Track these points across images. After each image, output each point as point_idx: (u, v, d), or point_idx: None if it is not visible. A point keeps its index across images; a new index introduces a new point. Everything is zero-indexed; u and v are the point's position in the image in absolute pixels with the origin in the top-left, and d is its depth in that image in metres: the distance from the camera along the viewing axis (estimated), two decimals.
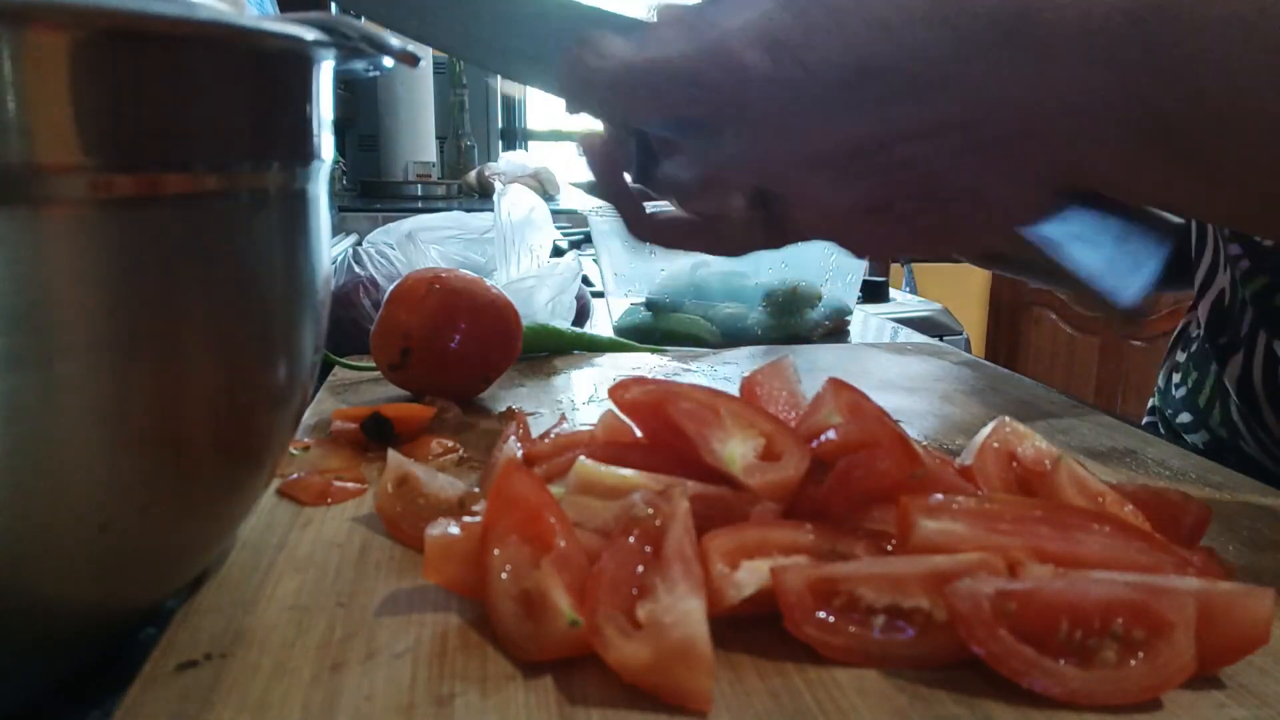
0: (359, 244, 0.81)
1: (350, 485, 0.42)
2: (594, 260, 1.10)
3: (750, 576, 0.30)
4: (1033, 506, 0.32)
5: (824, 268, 0.88)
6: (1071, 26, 0.32)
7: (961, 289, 3.19)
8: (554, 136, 3.14)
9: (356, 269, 0.75)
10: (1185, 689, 0.28)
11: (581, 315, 0.85)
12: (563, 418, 0.54)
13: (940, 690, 0.28)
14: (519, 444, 0.43)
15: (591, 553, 0.31)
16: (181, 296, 0.26)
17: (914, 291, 2.36)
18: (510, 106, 3.01)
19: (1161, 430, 0.70)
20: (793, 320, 0.85)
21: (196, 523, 0.30)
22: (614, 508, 0.32)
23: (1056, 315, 3.04)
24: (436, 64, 2.34)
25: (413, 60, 0.31)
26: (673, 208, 0.45)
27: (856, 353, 0.79)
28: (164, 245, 0.25)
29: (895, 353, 0.79)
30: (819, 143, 0.36)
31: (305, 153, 0.30)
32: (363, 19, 0.31)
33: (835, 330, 0.90)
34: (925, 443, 0.51)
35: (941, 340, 0.91)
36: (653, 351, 0.76)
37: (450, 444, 0.48)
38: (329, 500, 0.41)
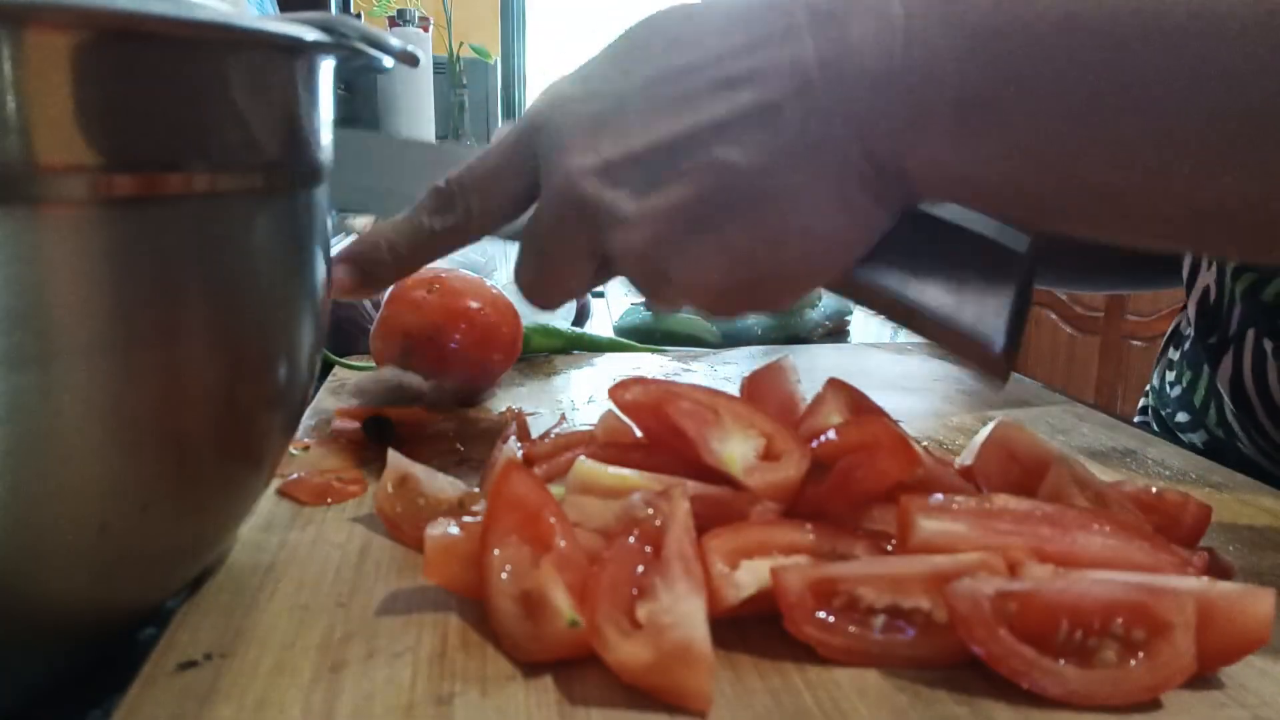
0: None
1: (350, 485, 0.42)
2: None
3: (750, 576, 0.30)
4: (1033, 506, 0.32)
5: None
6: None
7: None
8: None
9: None
10: (1185, 689, 0.28)
11: (581, 315, 0.85)
12: (563, 418, 0.54)
13: (940, 690, 0.28)
14: (519, 444, 0.43)
15: (591, 553, 0.31)
16: (181, 297, 0.26)
17: None
18: (510, 106, 3.02)
19: (1155, 428, 0.70)
20: (793, 320, 0.85)
21: (196, 523, 0.30)
22: (614, 508, 0.32)
23: (1056, 315, 3.04)
24: (436, 64, 2.34)
25: (413, 60, 0.31)
26: None
27: (856, 353, 0.79)
28: (164, 245, 0.25)
29: (895, 353, 0.79)
30: (620, 144, 0.35)
31: (305, 153, 0.30)
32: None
33: (835, 330, 0.90)
34: (925, 443, 0.51)
35: None
36: (653, 351, 0.76)
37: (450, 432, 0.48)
38: (329, 500, 0.41)
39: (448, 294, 0.56)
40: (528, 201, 0.39)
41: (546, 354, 0.73)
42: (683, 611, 0.27)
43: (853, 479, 0.34)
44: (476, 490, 0.39)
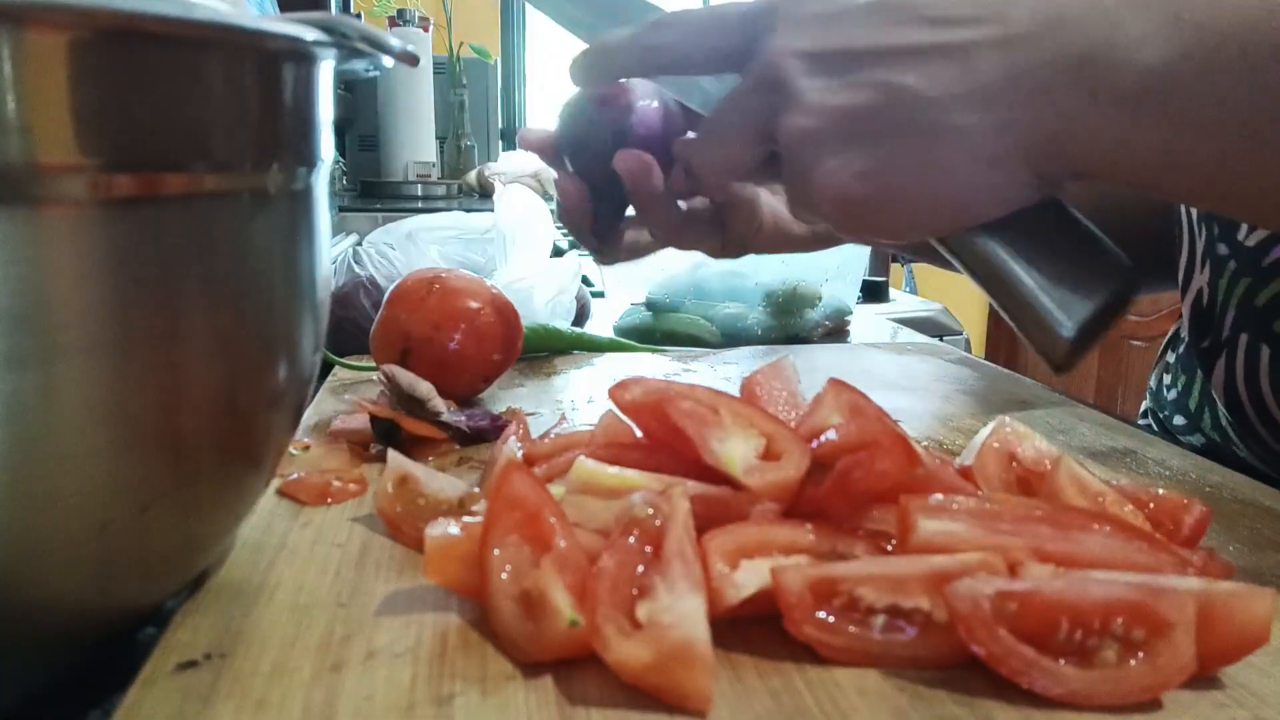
0: (359, 244, 0.81)
1: (350, 485, 0.42)
2: (594, 260, 1.10)
3: (750, 576, 0.30)
4: (1033, 506, 0.32)
5: (824, 268, 0.88)
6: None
7: (961, 289, 3.18)
8: None
9: (356, 269, 0.75)
10: (1185, 689, 0.28)
11: (581, 315, 0.85)
12: (563, 418, 0.54)
13: (940, 690, 0.28)
14: (519, 444, 0.43)
15: (591, 553, 0.31)
16: (181, 297, 0.26)
17: (914, 291, 2.36)
18: (510, 106, 3.01)
19: (1157, 432, 0.70)
20: (793, 320, 0.85)
21: (196, 523, 0.30)
22: (614, 508, 0.32)
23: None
24: (436, 64, 2.34)
25: (413, 60, 0.31)
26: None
27: (856, 353, 0.79)
28: (164, 245, 0.25)
29: (895, 353, 0.79)
30: (828, 39, 0.39)
31: (305, 153, 0.30)
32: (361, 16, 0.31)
33: (835, 330, 0.90)
34: (925, 443, 0.51)
35: (941, 340, 0.91)
36: (653, 351, 0.76)
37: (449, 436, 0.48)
38: (329, 500, 0.41)
39: (448, 294, 0.56)
40: (724, 62, 0.42)
41: (546, 354, 0.73)
42: (683, 611, 0.27)
43: (853, 479, 0.34)
44: (476, 490, 0.39)
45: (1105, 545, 0.31)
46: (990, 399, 0.63)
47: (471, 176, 2.27)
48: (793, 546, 0.32)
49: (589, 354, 0.74)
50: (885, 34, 0.38)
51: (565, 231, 0.51)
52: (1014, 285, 0.39)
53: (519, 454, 0.42)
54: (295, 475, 0.42)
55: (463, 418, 0.49)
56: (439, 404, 0.48)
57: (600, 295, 0.97)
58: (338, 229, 1.49)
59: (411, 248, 0.80)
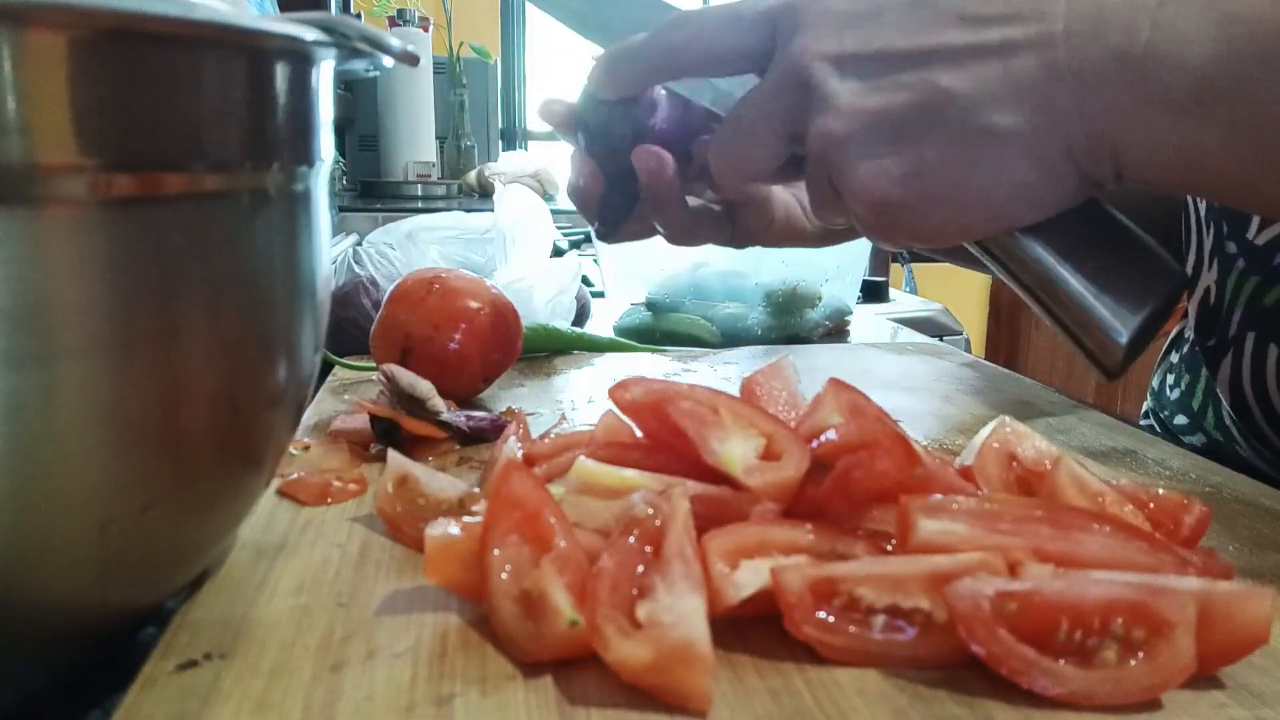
0: (359, 244, 0.81)
1: (350, 485, 0.42)
2: (594, 260, 1.10)
3: (750, 576, 0.30)
4: (1033, 506, 0.32)
5: (824, 268, 0.88)
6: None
7: (961, 289, 3.18)
8: (554, 136, 3.13)
9: (356, 269, 0.75)
10: (1185, 689, 0.28)
11: (581, 315, 0.85)
12: (563, 418, 0.54)
13: (940, 690, 0.28)
14: (519, 444, 0.43)
15: (591, 553, 0.31)
16: (181, 297, 0.26)
17: (914, 291, 2.36)
18: (510, 106, 3.01)
19: (1159, 432, 0.70)
20: (793, 320, 0.85)
21: (196, 523, 0.30)
22: (614, 508, 0.32)
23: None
24: (436, 64, 2.34)
25: (413, 60, 0.31)
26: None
27: (856, 353, 0.79)
28: (164, 245, 0.25)
29: (895, 353, 0.79)
30: (860, 42, 0.38)
31: (305, 153, 0.30)
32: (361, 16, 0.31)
33: (835, 330, 0.90)
34: (925, 443, 0.51)
35: (941, 340, 0.91)
36: (653, 351, 0.76)
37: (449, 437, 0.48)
38: (329, 500, 0.41)
39: (448, 294, 0.56)
40: (744, 61, 0.41)
41: (546, 354, 0.73)
42: (683, 611, 0.27)
43: (853, 479, 0.34)
44: (476, 490, 0.39)
45: (1105, 545, 0.31)
46: (990, 399, 0.63)
47: (471, 176, 2.27)
48: (793, 546, 0.32)
49: (589, 354, 0.74)
50: (919, 34, 0.37)
51: (572, 203, 0.50)
52: (1063, 291, 0.38)
53: (519, 454, 0.42)
54: (295, 475, 0.42)
55: (463, 418, 0.49)
56: (439, 404, 0.48)
57: (600, 295, 0.96)
58: (338, 229, 1.49)
59: (411, 248, 0.80)
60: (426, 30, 2.32)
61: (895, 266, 2.54)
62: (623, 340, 0.78)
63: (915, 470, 0.33)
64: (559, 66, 3.09)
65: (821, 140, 0.38)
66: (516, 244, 0.82)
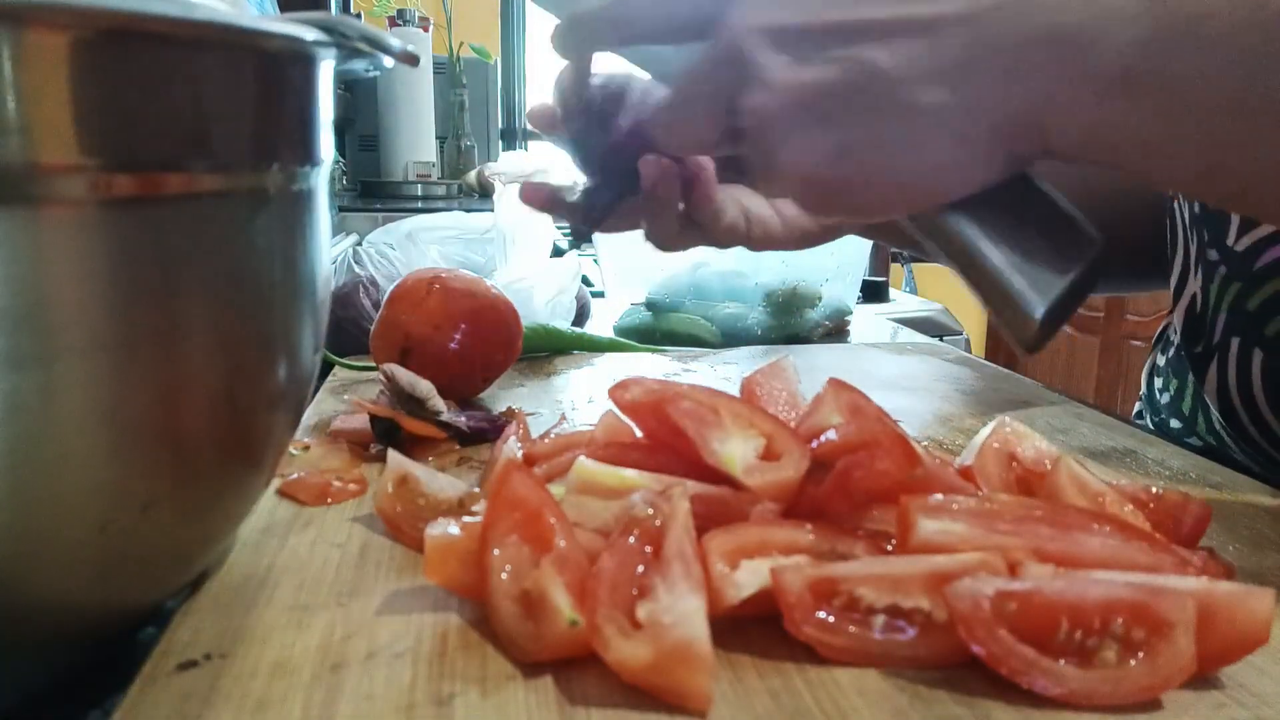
0: (359, 244, 0.81)
1: (350, 485, 0.42)
2: (594, 260, 1.10)
3: (750, 576, 0.30)
4: (1033, 506, 0.32)
5: (824, 268, 0.88)
6: None
7: (961, 289, 3.18)
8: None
9: (356, 269, 0.75)
10: (1185, 689, 0.28)
11: (581, 315, 0.85)
12: (563, 418, 0.54)
13: (940, 690, 0.28)
14: (519, 444, 0.43)
15: (591, 553, 0.31)
16: (181, 297, 0.26)
17: (914, 291, 2.36)
18: (510, 106, 3.01)
19: (1153, 434, 0.69)
20: (793, 320, 0.85)
21: (196, 523, 0.30)
22: (614, 508, 0.32)
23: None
24: (436, 64, 2.34)
25: (413, 60, 0.31)
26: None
27: (856, 353, 0.79)
28: (164, 245, 0.25)
29: (895, 353, 0.79)
30: (788, 14, 0.37)
31: (305, 153, 0.30)
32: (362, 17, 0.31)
33: (835, 330, 0.90)
34: (925, 443, 0.51)
35: (941, 340, 0.91)
36: (653, 351, 0.76)
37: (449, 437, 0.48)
38: (329, 500, 0.41)
39: (448, 294, 0.56)
40: (688, 33, 0.41)
41: (546, 354, 0.73)
42: (683, 611, 0.27)
43: (853, 479, 0.34)
44: (476, 490, 0.39)
45: (1105, 545, 0.31)
46: (990, 399, 0.63)
47: (471, 176, 2.27)
48: (793, 546, 0.32)
49: (589, 354, 0.74)
50: (849, 8, 0.36)
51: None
52: (983, 264, 0.38)
53: (519, 454, 0.42)
54: (295, 475, 0.42)
55: (463, 418, 0.49)
56: (439, 404, 0.48)
57: (600, 295, 0.97)
58: (338, 229, 1.49)
59: (411, 248, 0.80)
60: (426, 30, 2.32)
61: (895, 266, 2.54)
62: (623, 340, 0.78)
63: (915, 470, 0.33)
64: (559, 67, 3.09)
65: (755, 115, 0.39)
66: (516, 244, 0.82)
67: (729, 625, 0.30)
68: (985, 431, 0.40)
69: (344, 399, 0.58)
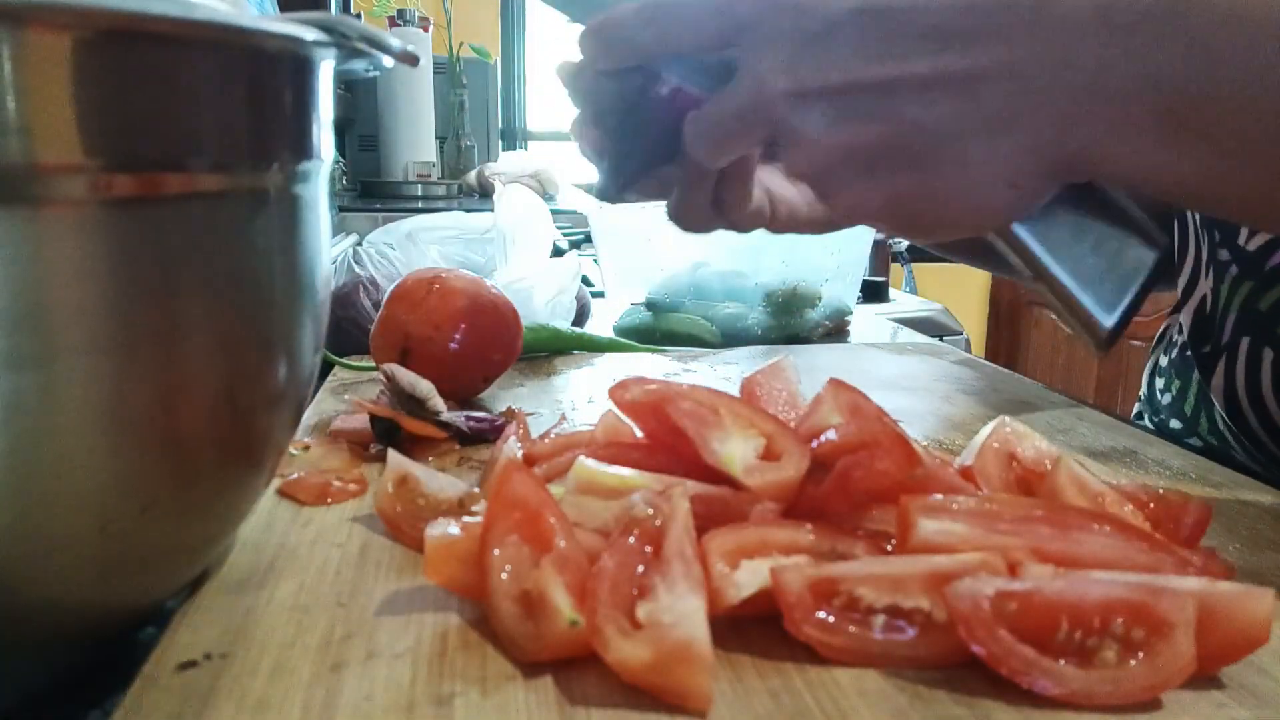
0: (359, 244, 0.81)
1: (350, 485, 0.42)
2: (594, 260, 1.10)
3: (750, 576, 0.30)
4: (1033, 506, 0.32)
5: (824, 268, 0.88)
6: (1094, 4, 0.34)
7: (961, 289, 3.19)
8: (554, 136, 3.14)
9: (356, 269, 0.75)
10: (1185, 689, 0.28)
11: (581, 315, 0.85)
12: (563, 418, 0.54)
13: (940, 690, 0.28)
14: (519, 444, 0.43)
15: (591, 553, 0.31)
16: (181, 297, 0.26)
17: (914, 291, 2.36)
18: (510, 106, 3.01)
19: (1153, 434, 0.69)
20: (793, 320, 0.85)
21: (196, 523, 0.30)
22: (614, 508, 0.32)
23: (1057, 315, 3.04)
24: (436, 64, 2.34)
25: (413, 60, 0.31)
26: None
27: (856, 353, 0.79)
28: (164, 245, 0.25)
29: (895, 353, 0.79)
30: (819, 75, 0.36)
31: (305, 153, 0.30)
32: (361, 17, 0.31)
33: (835, 330, 0.90)
34: (925, 443, 0.51)
35: (941, 340, 0.91)
36: (653, 351, 0.76)
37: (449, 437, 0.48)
38: (329, 500, 0.41)
39: (448, 294, 0.56)
40: (707, 48, 0.40)
41: (546, 354, 0.73)
42: (683, 611, 0.27)
43: (853, 479, 0.34)
44: (476, 490, 0.39)
45: (1105, 545, 0.31)
46: (990, 399, 0.63)
47: (471, 176, 2.27)
48: (793, 546, 0.32)
49: (589, 354, 0.74)
50: (879, 63, 0.35)
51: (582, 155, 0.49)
52: (1051, 279, 0.40)
53: (519, 454, 0.42)
54: (295, 475, 0.43)
55: (463, 418, 0.49)
56: (439, 404, 0.48)
57: (600, 295, 0.96)
58: (338, 229, 1.49)
59: (411, 248, 0.80)
60: (426, 30, 2.32)
61: (895, 266, 2.54)
62: (623, 340, 0.78)
63: (915, 470, 0.33)
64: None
65: (794, 169, 0.39)
66: (516, 244, 0.82)
67: (729, 625, 0.30)
68: (985, 431, 0.40)
69: (344, 399, 0.58)
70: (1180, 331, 0.65)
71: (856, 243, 0.91)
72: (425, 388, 0.48)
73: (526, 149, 3.04)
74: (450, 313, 0.55)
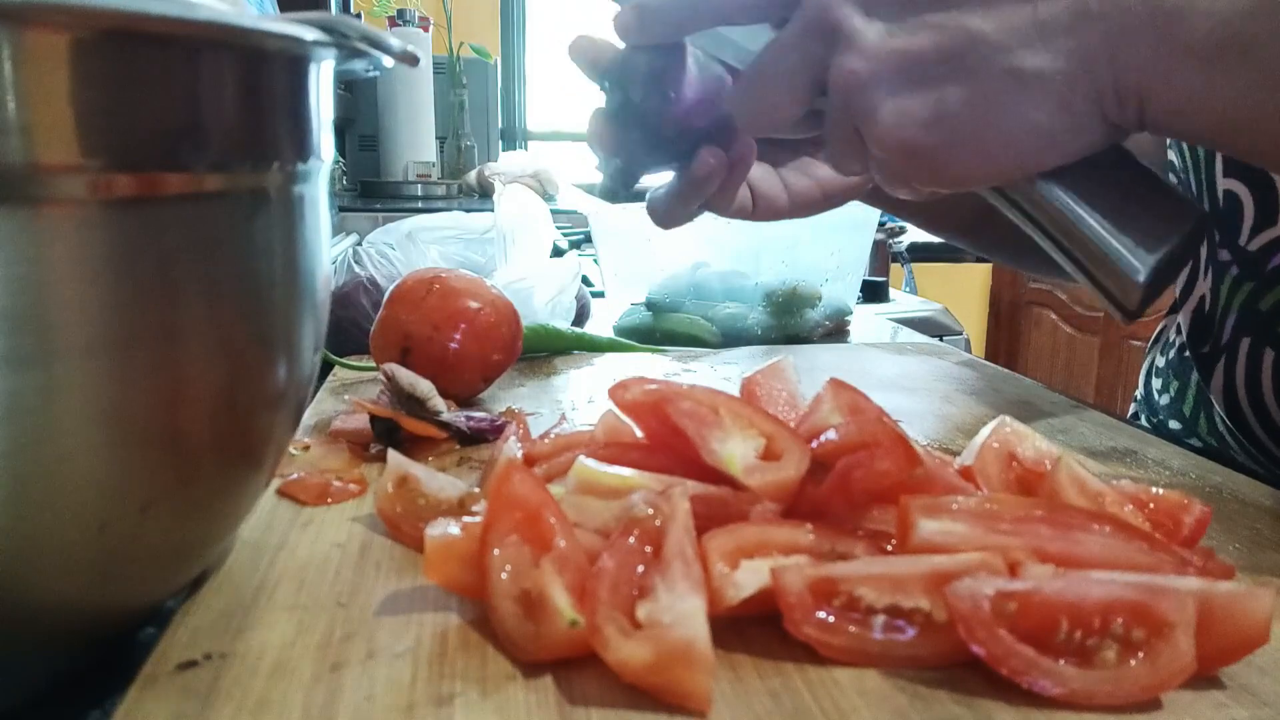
0: (359, 244, 0.81)
1: (350, 485, 0.42)
2: (594, 260, 1.10)
3: (750, 576, 0.30)
4: (1033, 506, 0.32)
5: (824, 268, 0.88)
6: None
7: (961, 289, 3.19)
8: (554, 136, 3.14)
9: (356, 269, 0.75)
10: (1185, 689, 0.28)
11: (581, 315, 0.85)
12: (563, 418, 0.54)
13: (940, 690, 0.28)
14: (519, 444, 0.43)
15: (591, 553, 0.31)
16: (181, 297, 0.26)
17: (914, 291, 2.36)
18: (510, 106, 3.01)
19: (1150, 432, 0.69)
20: (793, 320, 0.85)
21: (196, 523, 0.30)
22: (614, 508, 0.32)
23: (1056, 315, 3.04)
24: (436, 64, 2.34)
25: (413, 60, 0.31)
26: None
27: (856, 353, 0.79)
28: (164, 245, 0.25)
29: (895, 353, 0.79)
30: None
31: (305, 153, 0.30)
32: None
33: (835, 330, 0.90)
34: (925, 443, 0.51)
35: (941, 340, 0.91)
36: (653, 351, 0.76)
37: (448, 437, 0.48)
38: (329, 500, 0.41)
39: (448, 294, 0.56)
40: (771, 11, 0.40)
41: (546, 354, 0.73)
42: (683, 611, 0.27)
43: (853, 479, 0.34)
44: (476, 490, 0.39)
45: (1105, 545, 0.31)
46: (990, 399, 0.63)
47: (471, 176, 2.27)
48: (793, 546, 0.32)
49: (589, 354, 0.74)
50: None
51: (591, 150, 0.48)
52: (1082, 230, 0.38)
53: (519, 454, 0.42)
54: (295, 475, 0.43)
55: (463, 418, 0.49)
56: (439, 404, 0.48)
57: (600, 295, 0.96)
58: (338, 229, 1.49)
59: (411, 248, 0.80)
60: (426, 30, 2.32)
61: (895, 267, 2.54)
62: (623, 340, 0.78)
63: (915, 470, 0.33)
64: (559, 67, 3.09)
65: (845, 81, 0.38)
66: (516, 244, 0.82)
67: (729, 625, 0.30)
68: (985, 431, 0.40)
69: (344, 399, 0.58)
70: (1178, 332, 0.65)
71: (856, 243, 0.92)
72: (425, 388, 0.48)
73: (526, 149, 3.04)
74: (450, 313, 0.55)
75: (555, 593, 0.29)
